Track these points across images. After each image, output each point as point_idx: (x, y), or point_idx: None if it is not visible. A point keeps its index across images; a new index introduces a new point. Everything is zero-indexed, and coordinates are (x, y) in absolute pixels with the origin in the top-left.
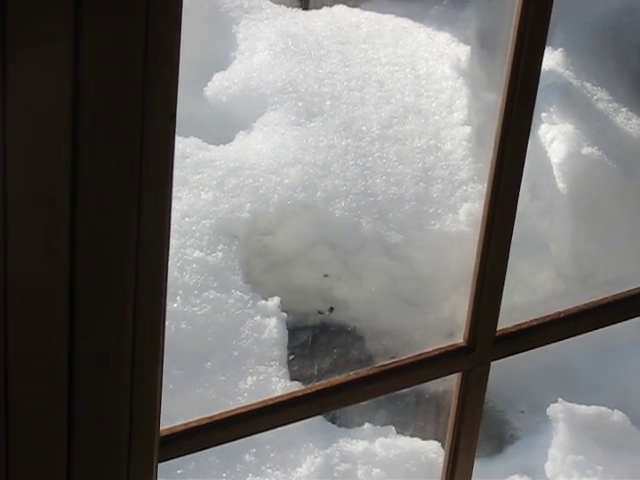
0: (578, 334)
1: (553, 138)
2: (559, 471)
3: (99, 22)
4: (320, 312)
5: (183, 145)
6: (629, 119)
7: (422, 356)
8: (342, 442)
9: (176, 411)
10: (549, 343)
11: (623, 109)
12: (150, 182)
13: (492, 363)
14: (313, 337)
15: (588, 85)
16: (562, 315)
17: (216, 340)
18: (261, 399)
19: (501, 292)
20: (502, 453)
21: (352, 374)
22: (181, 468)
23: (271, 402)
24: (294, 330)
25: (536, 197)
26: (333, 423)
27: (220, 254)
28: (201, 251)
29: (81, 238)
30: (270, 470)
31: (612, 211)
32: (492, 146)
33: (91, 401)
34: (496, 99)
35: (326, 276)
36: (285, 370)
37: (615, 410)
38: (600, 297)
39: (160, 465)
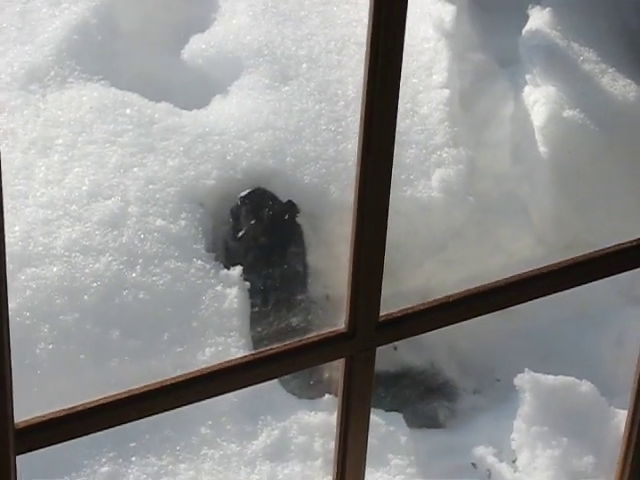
0: (468, 318)
1: (535, 101)
2: (524, 443)
3: None
4: None
5: (152, 110)
6: (615, 80)
7: (302, 342)
8: (301, 414)
9: (130, 383)
10: (438, 328)
11: (610, 70)
12: None
13: (463, 333)
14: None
15: (575, 45)
16: (451, 299)
17: (175, 310)
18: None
19: (380, 277)
20: (468, 424)
21: (232, 360)
22: (134, 441)
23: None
24: (262, 297)
25: (517, 161)
26: (294, 394)
27: (183, 222)
28: (164, 219)
29: None
30: (225, 443)
31: (594, 175)
32: (475, 109)
33: None
34: (485, 60)
35: None
36: (245, 341)
37: (584, 380)
38: None
39: (115, 436)
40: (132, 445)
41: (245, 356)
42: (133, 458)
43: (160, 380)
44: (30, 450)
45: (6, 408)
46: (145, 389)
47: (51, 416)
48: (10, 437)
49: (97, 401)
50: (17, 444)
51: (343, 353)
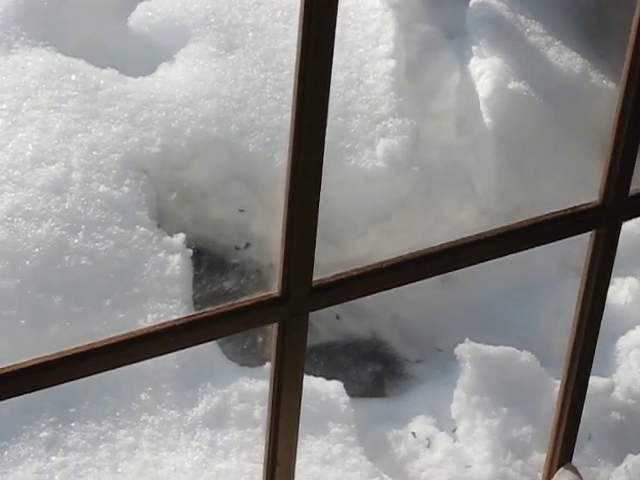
0: (403, 284)
1: (481, 72)
2: (463, 412)
3: None
4: (237, 247)
5: (98, 77)
6: (561, 53)
7: (235, 306)
8: (241, 381)
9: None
10: (371, 293)
11: (556, 42)
12: None
13: (406, 303)
14: (228, 273)
15: (522, 18)
16: (384, 265)
17: (117, 277)
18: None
19: (313, 243)
20: (409, 394)
21: (165, 322)
22: (74, 407)
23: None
24: (208, 266)
25: (462, 132)
26: (234, 361)
27: (127, 189)
28: (107, 186)
29: None
30: (165, 409)
31: (537, 147)
32: (421, 80)
33: None
34: (432, 31)
35: (242, 211)
36: (187, 307)
37: (524, 351)
38: None
39: (54, 402)
40: (72, 411)
41: (179, 319)
42: (73, 424)
43: (92, 342)
44: None
45: None
46: (78, 350)
47: None
48: None
49: (29, 362)
50: None
51: (276, 317)
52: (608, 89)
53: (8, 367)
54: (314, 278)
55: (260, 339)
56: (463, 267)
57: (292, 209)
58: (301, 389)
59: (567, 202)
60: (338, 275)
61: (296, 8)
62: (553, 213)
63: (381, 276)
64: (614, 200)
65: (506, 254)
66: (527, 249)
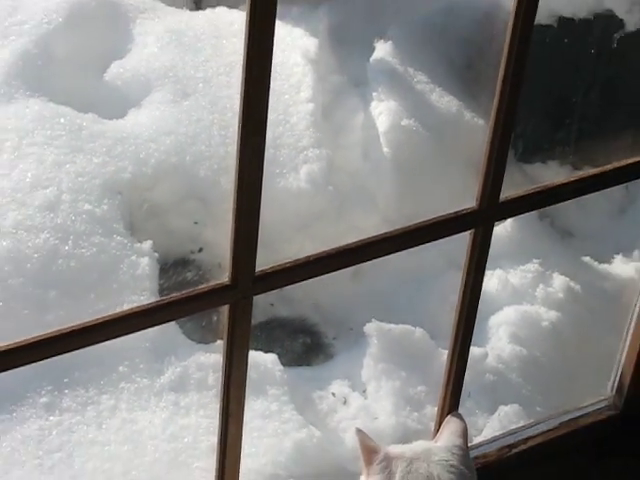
0: (325, 273)
1: (380, 112)
2: (372, 376)
3: None
4: (192, 252)
5: (81, 120)
6: (441, 97)
7: (194, 292)
8: (198, 355)
9: None
10: (300, 281)
11: (437, 89)
12: None
13: (326, 292)
14: (187, 271)
15: (410, 70)
16: (311, 259)
17: (99, 276)
18: None
19: (256, 242)
20: (329, 362)
21: (136, 307)
22: (67, 377)
23: None
24: (170, 266)
25: (366, 159)
26: (193, 339)
27: (105, 207)
28: (90, 204)
29: None
30: (139, 378)
31: (426, 169)
32: (334, 119)
33: None
34: (341, 80)
35: (196, 223)
36: (154, 297)
37: (417, 327)
38: None
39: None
40: (65, 380)
41: (150, 303)
42: (66, 391)
43: (80, 322)
44: None
45: None
46: (70, 329)
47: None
48: None
49: (31, 339)
50: None
51: (227, 300)
52: (478, 125)
53: (14, 343)
54: (256, 270)
55: (215, 318)
56: (369, 260)
57: (238, 219)
58: (247, 357)
59: (449, 209)
60: (275, 267)
61: (237, 65)
62: (439, 216)
63: (307, 267)
64: (487, 205)
65: (402, 249)
66: (419, 245)
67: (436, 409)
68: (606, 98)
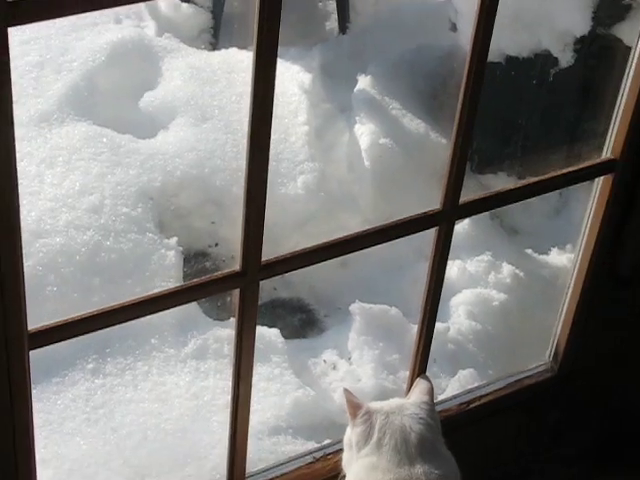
0: (319, 262)
1: (362, 133)
2: (355, 347)
3: None
4: (210, 246)
5: (120, 139)
6: (412, 120)
7: (211, 277)
8: (215, 329)
9: None
10: (301, 267)
11: (408, 114)
12: None
13: (319, 277)
14: (205, 262)
15: (387, 99)
16: (307, 250)
17: (135, 265)
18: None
19: (261, 236)
20: (321, 336)
21: (163, 290)
22: (109, 348)
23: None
24: (192, 257)
25: (351, 171)
26: (210, 317)
27: (140, 210)
28: (127, 208)
29: None
30: (167, 348)
31: (399, 179)
32: (325, 138)
33: None
34: (330, 108)
35: (213, 223)
36: (179, 283)
37: (393, 307)
38: None
39: (96, 345)
40: (107, 350)
41: (175, 287)
42: (109, 359)
43: (120, 303)
44: (39, 346)
45: (21, 318)
46: (111, 307)
47: (51, 325)
48: (25, 338)
49: (80, 315)
50: (30, 343)
51: (238, 285)
52: (441, 143)
53: (66, 320)
54: (262, 259)
55: (228, 299)
56: (354, 251)
57: (247, 219)
58: (255, 333)
59: (418, 210)
60: (277, 257)
61: (246, 94)
62: (410, 216)
63: (304, 257)
64: (449, 207)
65: (381, 243)
66: (394, 239)
67: (408, 373)
68: (545, 121)
